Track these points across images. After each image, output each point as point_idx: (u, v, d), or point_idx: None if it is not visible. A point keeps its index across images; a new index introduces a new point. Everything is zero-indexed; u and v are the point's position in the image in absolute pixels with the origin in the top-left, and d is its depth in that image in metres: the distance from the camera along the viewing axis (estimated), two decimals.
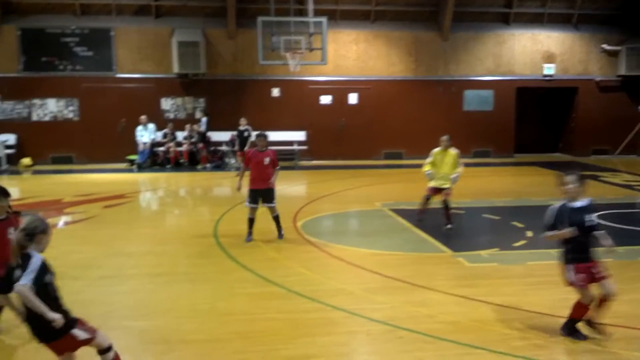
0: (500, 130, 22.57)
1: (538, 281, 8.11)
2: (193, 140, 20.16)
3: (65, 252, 9.31)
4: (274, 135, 19.97)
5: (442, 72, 22.19)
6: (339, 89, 21.67)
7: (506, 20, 22.57)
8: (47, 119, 20.46)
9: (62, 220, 12.24)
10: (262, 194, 10.15)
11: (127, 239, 10.74)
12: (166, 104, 20.99)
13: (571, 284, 6.09)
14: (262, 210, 10.32)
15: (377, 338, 6.35)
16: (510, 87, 22.52)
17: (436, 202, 11.29)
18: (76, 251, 9.70)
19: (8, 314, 6.00)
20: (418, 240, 10.49)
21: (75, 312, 4.78)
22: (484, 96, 22.55)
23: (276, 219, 10.37)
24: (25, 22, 19.99)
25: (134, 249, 10.00)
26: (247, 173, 10.35)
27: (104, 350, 4.81)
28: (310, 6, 18.11)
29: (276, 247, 9.94)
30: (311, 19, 18.03)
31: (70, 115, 20.57)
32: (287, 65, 18.14)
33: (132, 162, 19.93)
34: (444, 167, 11.00)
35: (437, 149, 11.13)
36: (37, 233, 4.55)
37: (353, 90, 21.77)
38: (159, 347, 6.12)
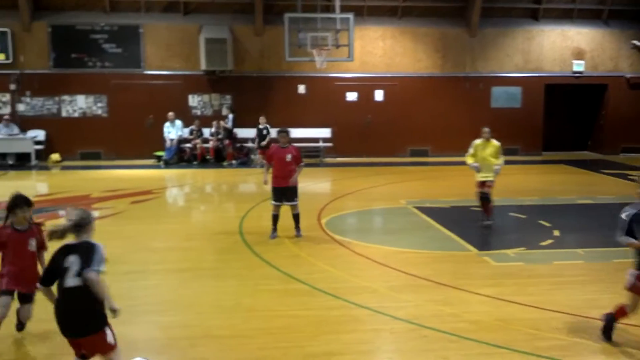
0: (529, 127, 22.32)
1: (564, 281, 8.03)
2: (220, 136, 20.26)
3: None
4: (299, 132, 20.06)
5: (470, 69, 22.02)
6: (365, 86, 21.61)
7: (535, 16, 22.31)
8: (76, 115, 20.70)
9: None
10: (283, 192, 10.15)
11: (154, 234, 10.85)
12: (193, 100, 21.12)
13: (630, 289, 5.94)
14: (288, 207, 10.35)
15: (401, 336, 6.33)
16: (538, 83, 22.25)
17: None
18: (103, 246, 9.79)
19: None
20: (443, 238, 10.43)
21: None
22: (512, 93, 22.31)
23: (296, 217, 10.33)
24: (56, 19, 20.24)
25: (160, 245, 10.10)
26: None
27: None
28: (337, 2, 18.08)
29: (300, 244, 9.96)
30: (338, 15, 18.01)
31: (99, 112, 20.80)
32: (313, 62, 18.12)
33: (159, 158, 20.09)
34: (485, 158, 10.92)
35: (478, 140, 11.04)
36: (87, 224, 4.73)
37: (379, 87, 21.70)
38: (184, 342, 6.17)
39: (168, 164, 19.70)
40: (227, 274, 8.46)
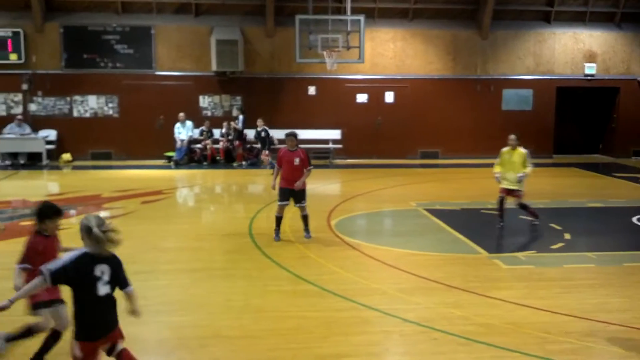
0: (540, 130, 22.22)
1: (575, 284, 7.99)
2: (230, 137, 20.30)
3: None
4: (309, 134, 20.08)
5: (481, 71, 21.96)
6: (376, 88, 21.59)
7: (547, 18, 22.22)
8: (87, 115, 20.79)
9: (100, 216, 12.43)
10: (292, 193, 10.14)
11: (164, 234, 10.88)
12: (204, 101, 21.17)
13: None
14: (296, 209, 10.35)
15: (410, 339, 6.32)
16: (550, 86, 22.16)
17: (511, 203, 11.26)
18: None
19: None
20: (453, 240, 10.41)
21: None
22: (523, 96, 22.24)
23: (305, 218, 10.34)
24: (68, 20, 20.35)
25: (170, 245, 10.14)
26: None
27: None
28: (348, 4, 18.10)
29: (310, 245, 9.96)
30: (349, 17, 18.03)
31: (110, 112, 20.89)
32: (324, 64, 18.14)
33: (169, 158, 20.15)
34: (512, 166, 10.91)
35: (505, 149, 11.08)
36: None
37: (389, 89, 21.68)
38: (193, 341, 6.19)
39: (178, 165, 19.76)
40: (236, 274, 8.48)
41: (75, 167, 19.61)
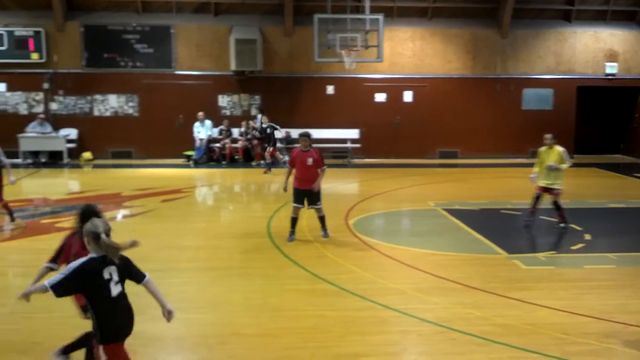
0: (560, 130, 21.80)
1: (595, 285, 7.92)
2: (249, 137, 20.36)
3: None
4: (327, 133, 20.09)
5: (500, 70, 21.82)
6: (394, 87, 21.55)
7: (567, 17, 22.03)
8: (107, 114, 20.96)
9: (120, 214, 12.55)
10: (306, 195, 10.09)
11: (183, 232, 10.93)
12: (223, 100, 21.26)
13: None
14: (312, 209, 10.34)
15: (428, 339, 6.30)
16: (570, 86, 21.97)
17: (546, 202, 11.21)
18: None
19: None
20: (472, 241, 10.36)
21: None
22: (544, 95, 22.07)
23: (322, 219, 10.31)
24: (88, 19, 20.53)
25: (188, 243, 10.19)
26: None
27: None
28: (367, 3, 18.06)
29: (327, 244, 9.96)
30: (368, 16, 17.99)
31: (130, 111, 21.04)
32: (342, 63, 18.11)
33: (189, 157, 20.26)
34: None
35: (542, 148, 11.07)
36: None
37: (408, 88, 21.61)
38: (211, 339, 6.22)
39: (197, 164, 19.85)
40: (254, 273, 8.50)
41: (95, 166, 19.79)
